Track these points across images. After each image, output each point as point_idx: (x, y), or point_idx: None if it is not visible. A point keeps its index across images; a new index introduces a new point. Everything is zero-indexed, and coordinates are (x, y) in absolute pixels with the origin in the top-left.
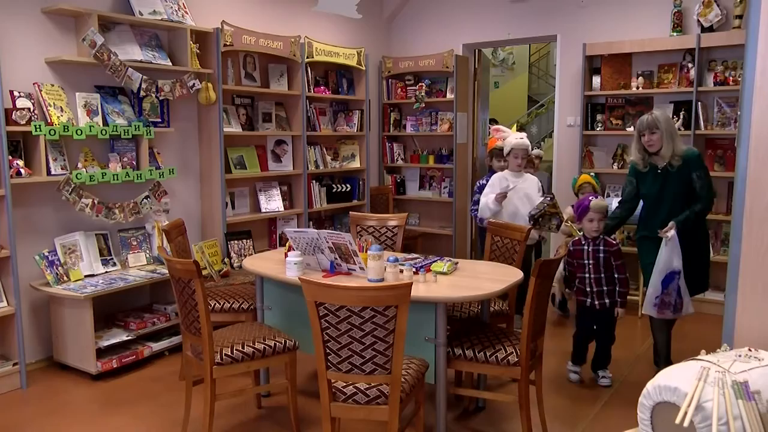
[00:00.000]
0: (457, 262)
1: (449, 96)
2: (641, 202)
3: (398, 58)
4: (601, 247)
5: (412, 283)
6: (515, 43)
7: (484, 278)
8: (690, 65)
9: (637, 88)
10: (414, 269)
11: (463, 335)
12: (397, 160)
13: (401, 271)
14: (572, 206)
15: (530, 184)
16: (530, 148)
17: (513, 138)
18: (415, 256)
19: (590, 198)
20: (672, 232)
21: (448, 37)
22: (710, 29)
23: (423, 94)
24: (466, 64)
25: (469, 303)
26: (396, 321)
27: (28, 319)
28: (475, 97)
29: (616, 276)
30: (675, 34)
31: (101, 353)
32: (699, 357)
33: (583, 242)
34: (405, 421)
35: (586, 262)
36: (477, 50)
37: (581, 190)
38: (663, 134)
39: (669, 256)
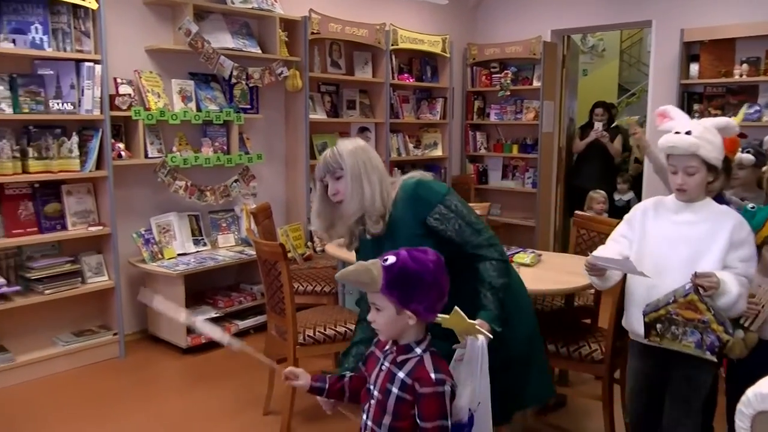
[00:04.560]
0: (540, 254)
1: (536, 84)
2: None
3: (483, 45)
4: None
5: None
6: (607, 29)
7: (569, 272)
8: None
9: (741, 75)
10: None
11: (545, 329)
12: (479, 149)
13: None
14: None
15: (716, 222)
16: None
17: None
18: None
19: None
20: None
21: (535, 23)
22: None
23: (508, 81)
24: (554, 51)
25: (553, 296)
26: None
27: (126, 293)
28: (563, 85)
29: None
30: None
31: (191, 328)
32: None
33: None
34: None
35: None
36: (566, 36)
37: None
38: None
39: None
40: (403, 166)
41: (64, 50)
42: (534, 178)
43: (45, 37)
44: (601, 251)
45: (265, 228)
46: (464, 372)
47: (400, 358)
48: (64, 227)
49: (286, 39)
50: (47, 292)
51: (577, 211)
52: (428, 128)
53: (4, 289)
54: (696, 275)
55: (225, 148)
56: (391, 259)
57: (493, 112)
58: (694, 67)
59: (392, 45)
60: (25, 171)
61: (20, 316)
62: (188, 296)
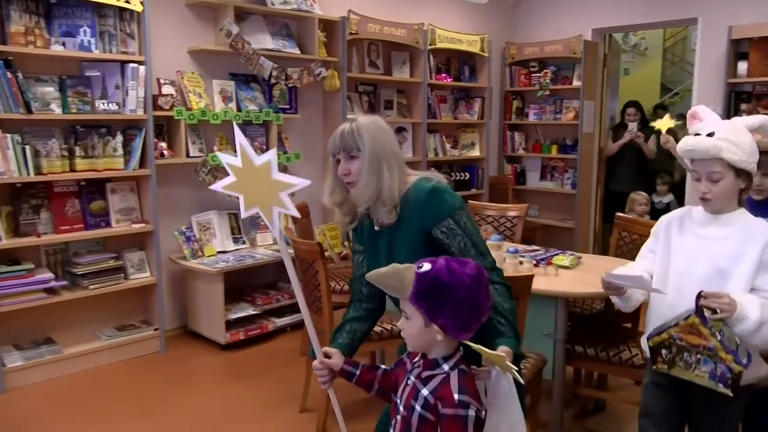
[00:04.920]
0: (580, 257)
1: (575, 83)
2: None
3: (523, 44)
4: None
5: (533, 276)
6: (650, 27)
7: None
8: None
9: None
10: (534, 261)
11: (584, 332)
12: (518, 149)
13: (521, 262)
14: None
15: (746, 238)
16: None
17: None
18: (536, 248)
19: None
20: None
21: (576, 21)
22: None
23: (548, 81)
24: (595, 50)
25: (592, 300)
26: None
27: (167, 290)
28: (604, 84)
29: None
30: None
31: (230, 325)
32: None
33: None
34: None
35: None
36: (607, 35)
37: None
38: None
39: None
40: (440, 166)
41: (110, 52)
42: (573, 178)
43: (92, 40)
44: (623, 269)
45: (303, 227)
46: (491, 406)
47: (425, 374)
48: (108, 224)
49: (325, 39)
50: (92, 287)
51: (618, 213)
52: (466, 128)
53: (52, 284)
54: (702, 295)
55: (264, 147)
56: (426, 266)
57: (531, 112)
58: (742, 66)
59: (430, 45)
60: (72, 169)
61: (67, 309)
62: (227, 293)
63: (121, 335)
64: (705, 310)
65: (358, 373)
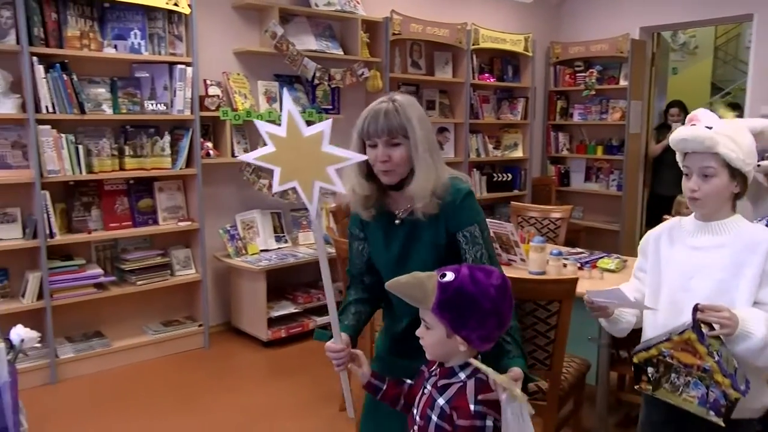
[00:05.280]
0: (625, 260)
1: (622, 83)
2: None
3: (567, 44)
4: None
5: (577, 279)
6: (701, 24)
7: None
8: None
9: None
10: (578, 264)
11: (628, 337)
12: (561, 150)
13: (564, 265)
14: None
15: (745, 247)
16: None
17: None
18: (580, 250)
19: None
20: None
21: (623, 20)
22: None
23: (593, 80)
24: (642, 49)
25: None
26: (559, 317)
27: (212, 287)
28: (651, 84)
29: None
30: None
31: (271, 322)
32: None
33: None
34: (562, 420)
35: None
36: (656, 34)
37: None
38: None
39: None
40: (482, 167)
41: (159, 54)
42: (619, 180)
43: (142, 42)
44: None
45: (344, 226)
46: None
47: (441, 383)
48: (155, 222)
49: (368, 40)
50: (139, 282)
51: (665, 216)
52: (509, 129)
53: (102, 279)
54: (698, 308)
55: None
56: (449, 276)
57: (576, 112)
58: None
59: (473, 44)
60: (121, 168)
61: (115, 304)
62: (269, 291)
63: (166, 330)
64: (702, 325)
65: (384, 387)
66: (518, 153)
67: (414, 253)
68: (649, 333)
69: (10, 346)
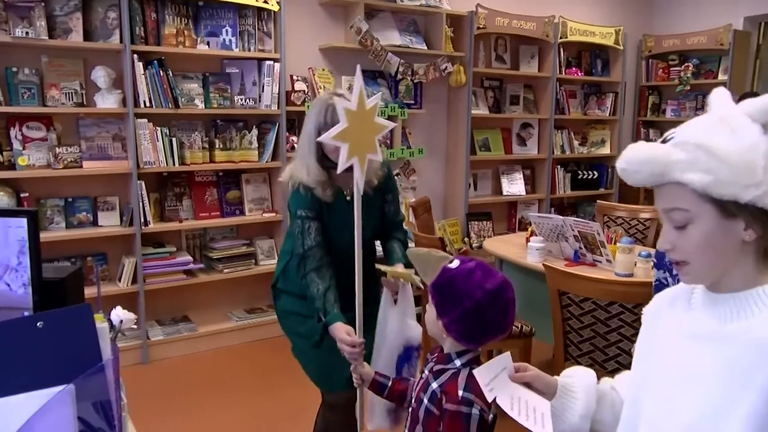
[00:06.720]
0: None
1: (721, 77)
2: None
3: (661, 36)
4: None
5: None
6: None
7: None
8: None
9: None
10: None
11: None
12: None
13: (653, 267)
14: None
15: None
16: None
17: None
18: None
19: None
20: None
21: (725, 9)
22: None
23: (689, 75)
24: (746, 41)
25: None
26: None
27: None
28: (755, 78)
29: None
30: None
31: None
32: None
33: None
34: None
35: None
36: (763, 23)
37: None
38: None
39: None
40: (567, 164)
41: (249, 50)
42: None
43: (233, 39)
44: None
45: (424, 221)
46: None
47: (437, 367)
48: (242, 212)
49: (452, 35)
50: (225, 270)
51: None
52: (596, 125)
53: (191, 266)
54: None
55: (388, 142)
56: (455, 263)
57: (669, 108)
58: None
59: (561, 38)
60: (211, 160)
61: (202, 291)
62: None
63: (250, 317)
64: None
65: (389, 384)
66: (605, 150)
67: (371, 218)
68: None
69: (111, 326)
